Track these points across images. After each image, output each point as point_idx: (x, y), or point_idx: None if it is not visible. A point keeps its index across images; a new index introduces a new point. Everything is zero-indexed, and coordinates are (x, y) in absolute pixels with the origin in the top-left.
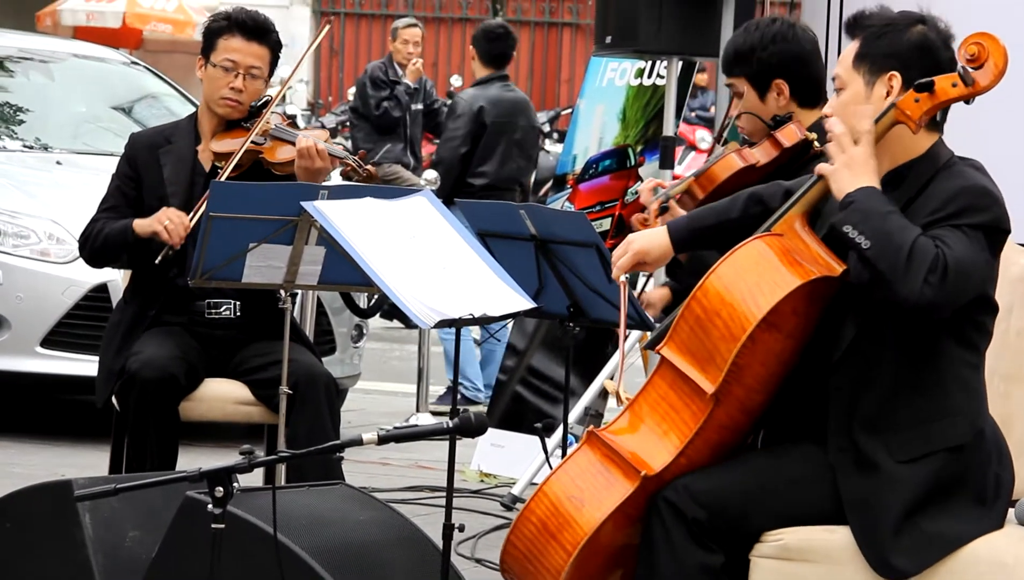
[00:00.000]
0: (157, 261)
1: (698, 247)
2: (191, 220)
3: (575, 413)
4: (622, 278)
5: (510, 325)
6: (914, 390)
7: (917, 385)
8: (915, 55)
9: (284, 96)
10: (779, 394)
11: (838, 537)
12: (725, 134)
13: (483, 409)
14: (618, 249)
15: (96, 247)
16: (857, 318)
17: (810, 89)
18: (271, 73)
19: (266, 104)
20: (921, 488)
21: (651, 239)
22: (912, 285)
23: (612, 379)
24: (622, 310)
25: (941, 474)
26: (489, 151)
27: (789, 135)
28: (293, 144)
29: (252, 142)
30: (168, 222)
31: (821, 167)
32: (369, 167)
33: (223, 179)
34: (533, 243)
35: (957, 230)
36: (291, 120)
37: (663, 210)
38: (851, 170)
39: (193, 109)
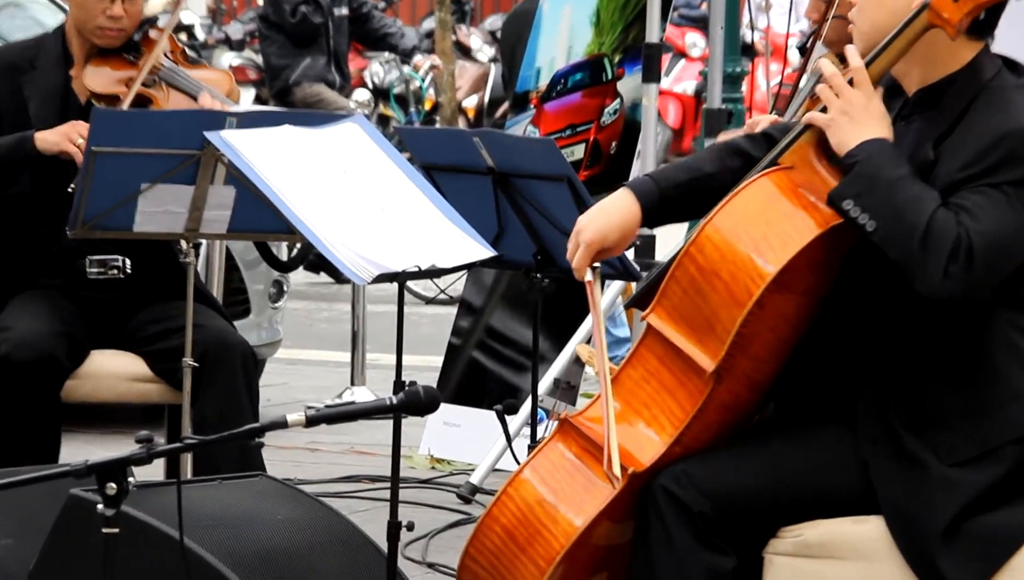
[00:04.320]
0: (70, 189)
1: (669, 213)
2: None
3: (545, 384)
4: (587, 277)
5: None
6: (960, 373)
7: (963, 366)
8: None
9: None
10: (794, 360)
11: (868, 528)
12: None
13: None
14: (569, 244)
15: None
16: (888, 281)
17: None
18: None
19: (150, 27)
20: (980, 489)
21: (605, 218)
22: (931, 277)
23: (589, 343)
24: (593, 316)
25: (1006, 470)
26: None
27: None
28: (193, 97)
29: (141, 84)
30: (80, 140)
31: (811, 116)
32: None
33: None
34: (491, 177)
35: (995, 190)
36: (183, 51)
37: None
38: (850, 117)
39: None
